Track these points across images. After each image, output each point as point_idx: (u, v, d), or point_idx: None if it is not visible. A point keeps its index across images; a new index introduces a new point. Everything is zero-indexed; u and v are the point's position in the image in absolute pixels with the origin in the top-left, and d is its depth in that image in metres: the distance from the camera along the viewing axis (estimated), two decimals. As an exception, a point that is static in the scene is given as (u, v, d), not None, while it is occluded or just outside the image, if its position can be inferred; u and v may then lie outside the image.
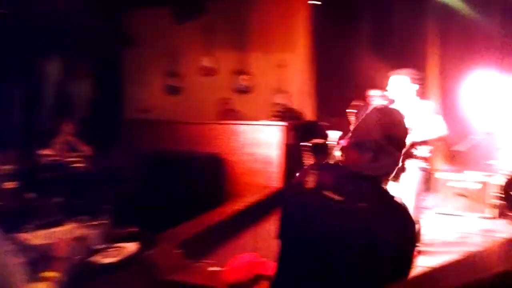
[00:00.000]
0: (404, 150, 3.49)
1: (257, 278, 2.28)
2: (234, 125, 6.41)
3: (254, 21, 7.64)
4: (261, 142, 6.20)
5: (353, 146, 1.67)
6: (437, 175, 5.77)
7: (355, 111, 6.54)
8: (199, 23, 7.62)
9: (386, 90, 4.06)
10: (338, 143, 4.94)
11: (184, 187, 5.46)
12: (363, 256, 1.44)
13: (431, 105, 3.82)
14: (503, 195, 5.52)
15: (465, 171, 5.88)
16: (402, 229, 1.50)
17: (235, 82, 7.83)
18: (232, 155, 6.30)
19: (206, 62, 8.04)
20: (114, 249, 2.35)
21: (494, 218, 5.37)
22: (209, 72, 8.04)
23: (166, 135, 6.59)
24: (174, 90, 8.35)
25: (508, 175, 5.59)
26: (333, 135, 4.90)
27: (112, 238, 2.45)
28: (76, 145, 6.11)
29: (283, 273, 1.68)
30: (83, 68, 8.52)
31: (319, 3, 7.36)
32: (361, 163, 1.59)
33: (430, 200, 5.85)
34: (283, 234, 1.74)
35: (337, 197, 1.53)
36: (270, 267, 2.36)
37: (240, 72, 7.79)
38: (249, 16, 7.66)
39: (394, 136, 1.64)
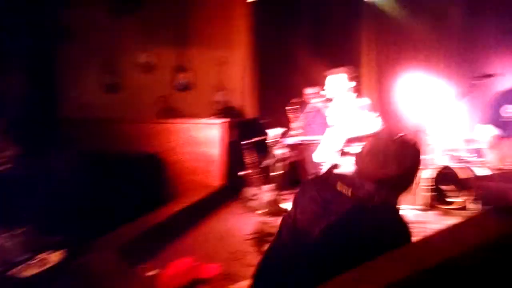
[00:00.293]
0: (340, 147, 3.59)
1: (194, 283, 2.23)
2: (174, 124, 6.29)
3: (194, 17, 7.51)
4: (202, 140, 6.13)
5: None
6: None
7: (294, 108, 6.64)
8: (137, 18, 7.38)
9: (324, 89, 4.13)
10: (279, 141, 4.97)
11: (123, 189, 5.25)
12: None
13: (366, 102, 3.92)
14: (433, 188, 5.84)
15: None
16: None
17: (175, 79, 7.66)
18: (172, 154, 6.18)
19: (145, 58, 7.81)
20: (37, 260, 2.19)
21: (425, 210, 5.65)
22: (148, 68, 7.81)
23: (103, 134, 6.32)
24: (111, 87, 8.03)
25: (438, 169, 5.92)
26: (273, 133, 4.92)
27: (35, 248, 2.28)
28: (2, 145, 5.68)
29: None
30: (14, 63, 7.96)
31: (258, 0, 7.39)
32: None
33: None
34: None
35: None
36: (208, 270, 2.33)
37: (180, 69, 7.63)
38: (189, 12, 7.52)
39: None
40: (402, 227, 1.55)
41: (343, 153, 3.93)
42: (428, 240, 1.37)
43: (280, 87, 7.36)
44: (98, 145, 6.08)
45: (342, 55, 7.44)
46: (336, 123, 4.08)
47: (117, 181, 5.21)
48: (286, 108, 6.20)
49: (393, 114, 7.46)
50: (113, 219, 4.24)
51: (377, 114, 3.86)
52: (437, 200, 5.81)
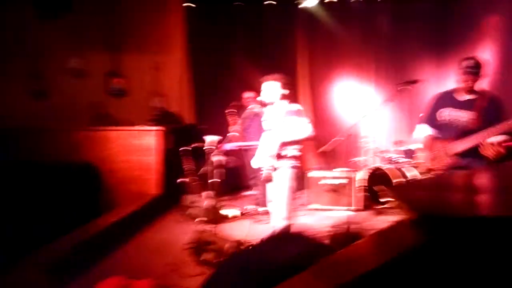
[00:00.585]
0: (275, 151, 3.65)
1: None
2: (109, 131, 6.07)
3: (127, 22, 7.30)
4: (138, 148, 5.96)
5: None
6: (310, 174, 6.13)
7: (232, 111, 6.65)
8: (67, 22, 7.05)
9: (260, 95, 4.19)
10: (217, 148, 4.95)
11: (54, 201, 4.99)
12: None
13: (298, 108, 4.02)
14: (367, 189, 6.09)
15: (334, 169, 6.34)
16: None
17: (108, 85, 7.40)
18: (108, 163, 5.95)
19: (75, 63, 7.46)
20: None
21: (360, 210, 5.88)
22: (79, 74, 7.47)
23: (32, 143, 5.96)
24: (39, 94, 7.59)
25: (370, 170, 6.18)
26: (210, 140, 4.90)
27: None
28: None
29: None
30: None
31: (194, 5, 7.34)
32: None
33: (304, 197, 6.21)
34: None
35: None
36: (140, 287, 2.26)
37: (113, 74, 7.39)
38: (121, 16, 7.29)
39: None
40: None
41: (279, 157, 4.01)
42: (345, 253, 1.41)
43: (217, 93, 7.36)
44: (28, 155, 5.73)
45: (277, 61, 7.58)
46: (270, 128, 4.16)
47: (49, 193, 4.94)
48: (225, 111, 6.24)
49: (327, 118, 7.72)
50: (45, 233, 4.02)
51: (308, 120, 3.97)
52: (371, 200, 6.07)
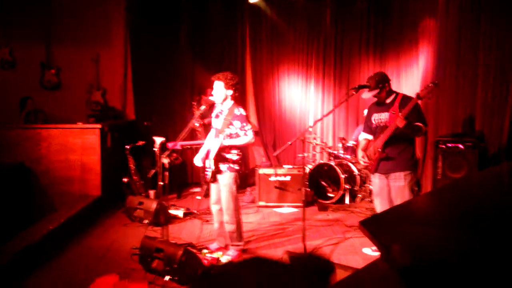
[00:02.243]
0: (215, 153, 3.61)
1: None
2: (45, 128, 5.63)
3: (64, 10, 6.78)
4: (78, 147, 5.60)
5: None
6: (260, 171, 6.10)
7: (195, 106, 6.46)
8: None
9: (211, 94, 4.08)
10: (166, 146, 4.76)
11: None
12: None
13: (241, 113, 3.96)
14: (311, 184, 6.18)
15: (283, 166, 6.36)
16: None
17: (42, 78, 6.85)
18: (43, 163, 5.54)
19: (3, 54, 6.83)
20: None
21: (304, 206, 5.93)
22: (8, 65, 6.85)
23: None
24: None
25: (316, 166, 6.28)
26: (158, 138, 4.69)
27: None
28: None
29: None
30: None
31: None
32: None
33: (254, 194, 6.18)
34: None
35: None
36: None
37: (47, 66, 6.85)
38: (58, 4, 6.77)
39: None
40: None
41: (221, 160, 3.95)
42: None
43: (159, 89, 7.09)
44: None
45: (223, 57, 7.47)
46: (215, 128, 4.10)
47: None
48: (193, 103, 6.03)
49: (276, 117, 7.73)
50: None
51: (250, 126, 3.96)
52: (316, 195, 6.17)
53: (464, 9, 5.13)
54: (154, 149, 4.64)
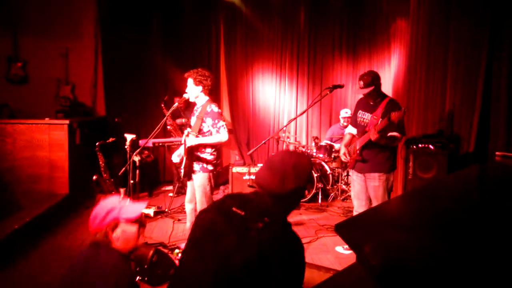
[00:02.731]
0: (187, 152, 3.56)
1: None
2: (10, 124, 5.41)
3: (31, 3, 6.53)
4: (44, 143, 5.42)
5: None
6: (234, 169, 6.07)
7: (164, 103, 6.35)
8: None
9: (185, 91, 4.00)
10: (139, 145, 4.65)
11: None
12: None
13: (216, 110, 3.89)
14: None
15: (257, 165, 6.35)
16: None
17: (6, 71, 6.59)
18: (8, 160, 5.33)
19: (-36, 45, 6.53)
20: None
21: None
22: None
23: None
24: None
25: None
26: (129, 135, 4.59)
27: None
28: None
29: None
30: None
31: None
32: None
33: (228, 192, 6.15)
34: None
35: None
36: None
37: (13, 59, 6.59)
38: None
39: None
40: (299, 239, 1.59)
41: (195, 159, 3.89)
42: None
43: (131, 84, 6.95)
44: None
45: (196, 53, 7.38)
46: (190, 126, 4.04)
47: None
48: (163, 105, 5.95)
49: (250, 115, 7.70)
50: None
51: (224, 124, 3.89)
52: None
53: (434, 12, 5.23)
54: (125, 146, 4.54)
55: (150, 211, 5.36)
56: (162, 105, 6.24)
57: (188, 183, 4.07)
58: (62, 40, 6.68)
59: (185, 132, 3.95)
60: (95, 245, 2.03)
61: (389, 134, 3.70)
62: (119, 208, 2.07)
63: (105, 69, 6.94)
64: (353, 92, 7.54)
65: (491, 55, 4.24)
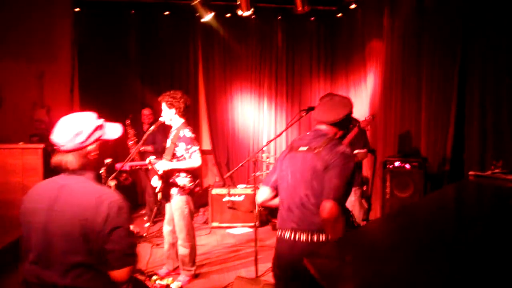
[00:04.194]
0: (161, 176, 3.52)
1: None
2: (-21, 149, 5.28)
3: (5, 26, 6.43)
4: (18, 169, 5.28)
5: None
6: (213, 191, 6.00)
7: (130, 128, 6.29)
8: None
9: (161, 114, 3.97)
10: (116, 169, 4.56)
11: None
12: None
13: (189, 135, 3.86)
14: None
15: (237, 185, 6.30)
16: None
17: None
18: (-23, 186, 5.18)
19: None
20: None
21: (259, 226, 5.90)
22: None
23: None
24: None
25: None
26: (106, 161, 4.48)
27: None
28: None
29: None
30: None
31: (84, 11, 6.78)
32: None
33: (208, 214, 6.07)
34: None
35: None
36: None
37: (-16, 82, 6.46)
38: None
39: None
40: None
41: (171, 183, 3.84)
42: None
43: (108, 106, 6.87)
44: None
45: (174, 75, 7.36)
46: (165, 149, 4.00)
47: None
48: (124, 124, 5.88)
49: (229, 136, 7.68)
50: None
51: (197, 148, 3.86)
52: (270, 214, 6.14)
53: (407, 33, 5.36)
54: (101, 171, 4.43)
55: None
56: (128, 122, 6.21)
57: (167, 205, 4.01)
58: (38, 63, 6.61)
59: (148, 159, 3.87)
60: (70, 174, 1.88)
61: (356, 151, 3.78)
62: (102, 126, 1.95)
63: (81, 90, 6.87)
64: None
65: (463, 74, 4.36)
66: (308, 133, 2.39)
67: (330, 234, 2.10)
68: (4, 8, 6.40)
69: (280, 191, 2.39)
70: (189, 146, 3.80)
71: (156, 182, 3.98)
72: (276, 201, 2.44)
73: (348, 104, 2.34)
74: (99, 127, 1.91)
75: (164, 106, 3.88)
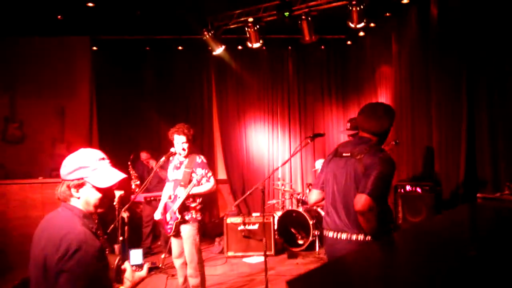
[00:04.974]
0: (180, 203, 3.58)
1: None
2: (1, 185, 5.45)
3: (27, 65, 6.78)
4: (35, 203, 5.44)
5: None
6: (228, 220, 6.02)
7: (142, 162, 6.42)
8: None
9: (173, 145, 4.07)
10: (130, 200, 4.67)
11: None
12: None
13: (202, 160, 3.97)
14: (280, 232, 6.13)
15: (252, 214, 6.30)
16: None
17: (2, 131, 6.73)
18: (1, 221, 5.33)
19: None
20: None
21: (273, 255, 5.87)
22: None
23: None
24: None
25: (287, 213, 6.23)
26: (118, 194, 4.62)
27: None
28: None
29: None
30: None
31: (102, 50, 7.10)
32: None
33: (223, 244, 6.06)
34: None
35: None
36: None
37: (10, 119, 6.76)
38: (21, 58, 6.77)
39: None
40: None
41: (184, 210, 3.90)
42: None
43: (125, 140, 7.07)
44: None
45: (188, 107, 7.55)
46: (174, 179, 4.06)
47: None
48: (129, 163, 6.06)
49: (243, 164, 7.75)
50: None
51: (211, 173, 3.94)
52: (286, 243, 6.10)
53: (414, 58, 5.41)
54: (113, 203, 4.55)
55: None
56: (129, 163, 6.29)
57: (174, 240, 4.04)
58: (58, 99, 6.89)
59: (167, 187, 3.94)
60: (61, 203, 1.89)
61: None
62: (92, 169, 1.87)
63: (99, 125, 7.10)
64: (344, 136, 7.64)
65: (471, 96, 4.34)
66: (352, 140, 2.69)
67: (364, 227, 2.31)
68: (25, 49, 6.75)
69: (325, 193, 2.61)
70: (206, 171, 3.92)
71: (158, 216, 4.03)
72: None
73: (391, 116, 2.52)
74: (83, 167, 1.85)
75: (177, 137, 3.98)
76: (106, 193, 1.93)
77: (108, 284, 1.83)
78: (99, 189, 1.88)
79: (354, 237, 2.40)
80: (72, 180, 1.85)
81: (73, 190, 1.86)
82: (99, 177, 1.88)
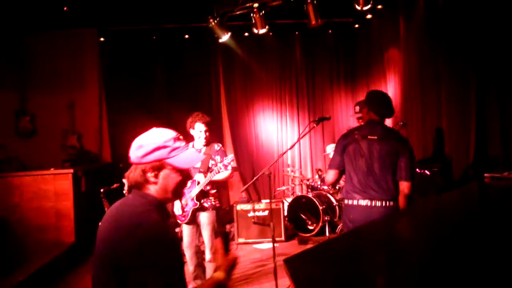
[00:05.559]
0: (199, 189, 3.62)
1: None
2: (13, 177, 5.56)
3: (37, 59, 6.85)
4: (51, 194, 5.54)
5: None
6: (239, 207, 6.05)
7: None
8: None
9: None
10: None
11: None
12: None
13: (221, 147, 4.03)
14: (291, 218, 6.15)
15: (261, 200, 6.33)
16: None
17: (16, 125, 6.84)
18: (16, 212, 5.45)
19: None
20: None
21: (284, 241, 5.90)
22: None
23: None
24: None
25: (295, 199, 6.24)
26: (127, 183, 4.64)
27: None
28: None
29: None
30: None
31: (110, 40, 7.12)
32: None
33: (234, 231, 6.11)
34: None
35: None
36: None
37: (21, 113, 6.85)
38: (31, 52, 6.84)
39: None
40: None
41: (206, 196, 3.95)
42: None
43: (135, 130, 7.09)
44: None
45: (198, 96, 7.55)
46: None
47: None
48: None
49: (253, 152, 7.76)
50: None
51: (230, 157, 3.93)
52: (296, 228, 6.12)
53: (423, 39, 5.31)
54: (123, 191, 4.59)
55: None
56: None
57: (186, 227, 4.06)
58: (68, 92, 6.95)
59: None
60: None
61: None
62: (171, 149, 1.66)
63: (109, 116, 7.15)
64: (353, 120, 7.59)
65: (480, 76, 4.27)
66: (365, 124, 3.10)
67: (405, 205, 2.92)
68: (34, 44, 6.81)
69: (353, 170, 3.06)
70: (224, 158, 3.93)
71: (178, 211, 4.06)
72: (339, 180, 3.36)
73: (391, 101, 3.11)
74: (163, 147, 1.65)
75: (199, 125, 4.01)
76: (186, 176, 1.73)
77: (184, 275, 1.59)
78: (179, 172, 1.67)
79: (387, 203, 2.95)
80: (150, 162, 1.62)
81: (149, 175, 1.62)
82: (180, 158, 1.66)
